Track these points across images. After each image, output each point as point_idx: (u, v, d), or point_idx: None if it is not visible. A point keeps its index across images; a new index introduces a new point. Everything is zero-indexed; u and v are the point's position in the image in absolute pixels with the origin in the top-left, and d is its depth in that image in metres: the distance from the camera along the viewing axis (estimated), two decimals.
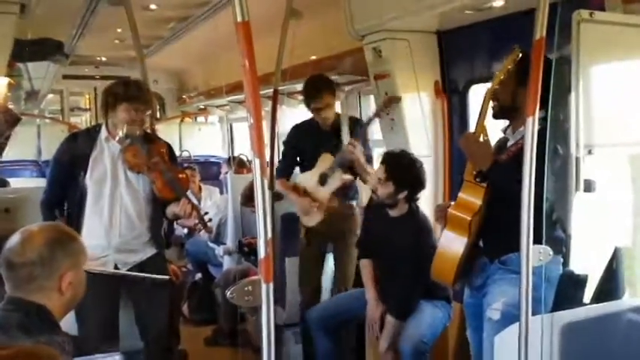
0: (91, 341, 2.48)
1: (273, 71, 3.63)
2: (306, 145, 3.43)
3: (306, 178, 3.36)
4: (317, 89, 3.31)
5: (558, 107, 2.07)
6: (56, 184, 2.75)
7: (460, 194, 2.23)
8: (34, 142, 8.34)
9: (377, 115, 3.32)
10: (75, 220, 2.63)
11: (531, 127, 1.64)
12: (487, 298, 2.25)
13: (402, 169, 2.81)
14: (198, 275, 4.89)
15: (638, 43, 2.27)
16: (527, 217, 1.64)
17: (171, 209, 2.70)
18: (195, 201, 2.72)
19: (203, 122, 9.62)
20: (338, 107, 3.56)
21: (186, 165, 5.46)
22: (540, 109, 1.67)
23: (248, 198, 4.27)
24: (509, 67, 2.09)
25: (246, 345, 3.70)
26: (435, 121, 3.52)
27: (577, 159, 2.18)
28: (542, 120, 1.86)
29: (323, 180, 3.30)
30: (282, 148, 3.74)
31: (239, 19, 1.36)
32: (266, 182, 1.39)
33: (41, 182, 4.62)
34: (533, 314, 1.69)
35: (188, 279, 4.70)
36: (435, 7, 2.92)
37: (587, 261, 2.28)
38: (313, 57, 4.84)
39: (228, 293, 1.40)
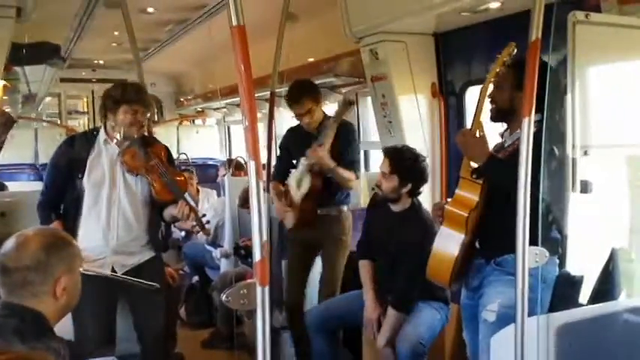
0: (87, 345, 2.47)
1: (270, 74, 3.63)
2: (295, 148, 3.45)
3: (290, 181, 3.38)
4: (297, 95, 3.30)
5: (554, 108, 2.07)
6: (53, 186, 2.75)
7: (457, 191, 2.23)
8: (32, 145, 8.31)
9: (336, 120, 3.27)
10: (72, 222, 2.63)
11: (527, 127, 1.64)
12: (483, 299, 2.25)
13: (406, 163, 2.82)
14: (196, 278, 4.87)
15: (634, 44, 2.28)
16: (523, 219, 1.64)
17: (169, 211, 2.69)
18: (192, 203, 2.71)
19: (201, 125, 9.66)
20: (333, 110, 3.54)
21: (183, 167, 5.45)
22: (536, 112, 1.66)
23: (245, 200, 4.26)
24: (505, 59, 2.10)
25: (243, 348, 3.71)
26: (432, 123, 3.54)
27: (573, 160, 2.19)
28: (539, 122, 1.86)
29: (298, 183, 3.32)
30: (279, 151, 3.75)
31: (234, 23, 1.36)
32: (262, 185, 1.38)
33: (38, 185, 4.61)
34: (529, 315, 1.68)
35: (185, 282, 4.69)
36: (431, 9, 2.93)
37: (584, 262, 2.29)
38: (311, 59, 4.85)
39: (223, 297, 1.39)
